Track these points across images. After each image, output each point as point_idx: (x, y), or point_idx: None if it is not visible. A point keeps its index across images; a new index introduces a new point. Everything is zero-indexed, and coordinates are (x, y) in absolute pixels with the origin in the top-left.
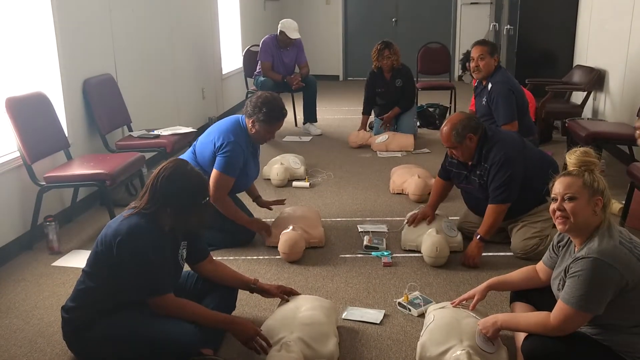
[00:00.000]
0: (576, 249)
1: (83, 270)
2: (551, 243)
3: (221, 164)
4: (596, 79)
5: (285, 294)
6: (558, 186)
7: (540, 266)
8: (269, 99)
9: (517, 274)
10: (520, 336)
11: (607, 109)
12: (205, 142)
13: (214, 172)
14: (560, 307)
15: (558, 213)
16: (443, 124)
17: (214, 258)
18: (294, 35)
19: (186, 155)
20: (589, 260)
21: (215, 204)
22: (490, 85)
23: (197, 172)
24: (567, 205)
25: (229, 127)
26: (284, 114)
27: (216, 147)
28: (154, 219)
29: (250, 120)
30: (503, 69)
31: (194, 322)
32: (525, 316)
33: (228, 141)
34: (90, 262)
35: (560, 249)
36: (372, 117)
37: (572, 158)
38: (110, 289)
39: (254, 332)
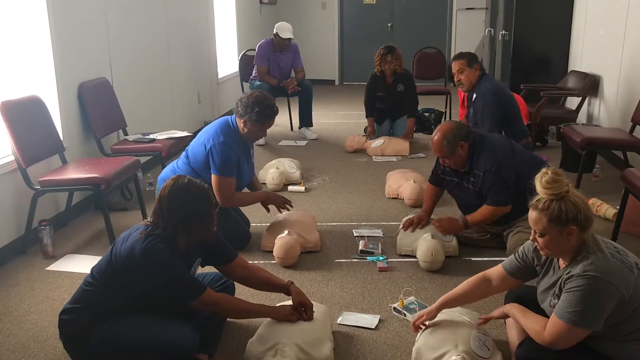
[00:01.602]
0: (561, 265)
1: (91, 272)
2: (521, 251)
3: (216, 166)
4: (591, 85)
5: (300, 312)
6: (529, 217)
7: (497, 272)
8: (260, 98)
9: (467, 287)
10: (515, 342)
11: (602, 114)
12: (197, 146)
13: (213, 177)
14: (553, 321)
15: (536, 243)
16: (433, 134)
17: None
18: (285, 34)
19: (180, 161)
20: (587, 277)
21: (227, 206)
22: (474, 96)
23: (195, 181)
24: (539, 240)
25: (218, 129)
26: (275, 111)
27: (207, 149)
28: (170, 241)
29: (242, 120)
30: (487, 76)
31: (238, 312)
32: (530, 316)
33: (218, 142)
34: (102, 267)
35: (539, 267)
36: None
37: (540, 188)
38: (116, 294)
39: (290, 309)
